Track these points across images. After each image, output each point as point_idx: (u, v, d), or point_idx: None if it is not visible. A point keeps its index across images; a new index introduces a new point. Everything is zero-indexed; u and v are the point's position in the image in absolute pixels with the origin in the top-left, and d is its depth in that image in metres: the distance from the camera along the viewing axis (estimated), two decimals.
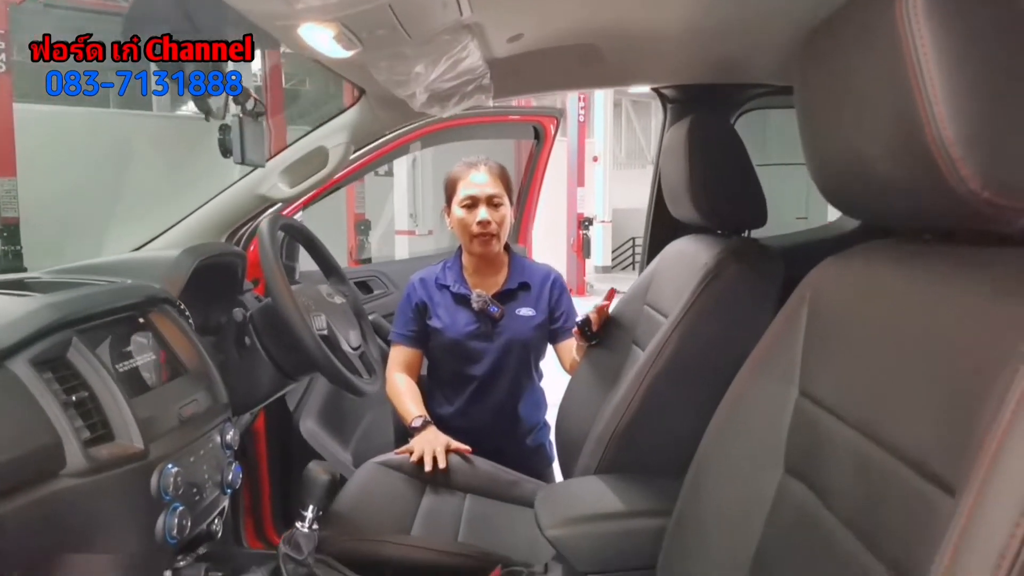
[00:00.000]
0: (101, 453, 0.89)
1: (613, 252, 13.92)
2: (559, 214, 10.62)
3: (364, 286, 2.19)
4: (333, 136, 1.62)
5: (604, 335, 1.59)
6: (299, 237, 1.50)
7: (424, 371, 1.88)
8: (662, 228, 1.75)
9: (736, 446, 0.88)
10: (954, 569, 0.46)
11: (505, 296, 1.77)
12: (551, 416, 1.79)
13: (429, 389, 1.84)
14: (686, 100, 1.70)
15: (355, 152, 1.69)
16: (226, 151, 1.17)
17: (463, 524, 1.45)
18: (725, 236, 1.35)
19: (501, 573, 1.24)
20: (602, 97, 12.74)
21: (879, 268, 0.71)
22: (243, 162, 1.19)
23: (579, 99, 10.68)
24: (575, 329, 1.60)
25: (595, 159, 12.05)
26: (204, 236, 1.61)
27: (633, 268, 15.03)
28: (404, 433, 1.93)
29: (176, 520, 0.99)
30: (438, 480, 1.54)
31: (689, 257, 1.35)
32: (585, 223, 10.48)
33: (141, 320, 1.12)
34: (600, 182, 12.33)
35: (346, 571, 1.20)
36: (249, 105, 1.11)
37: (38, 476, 0.83)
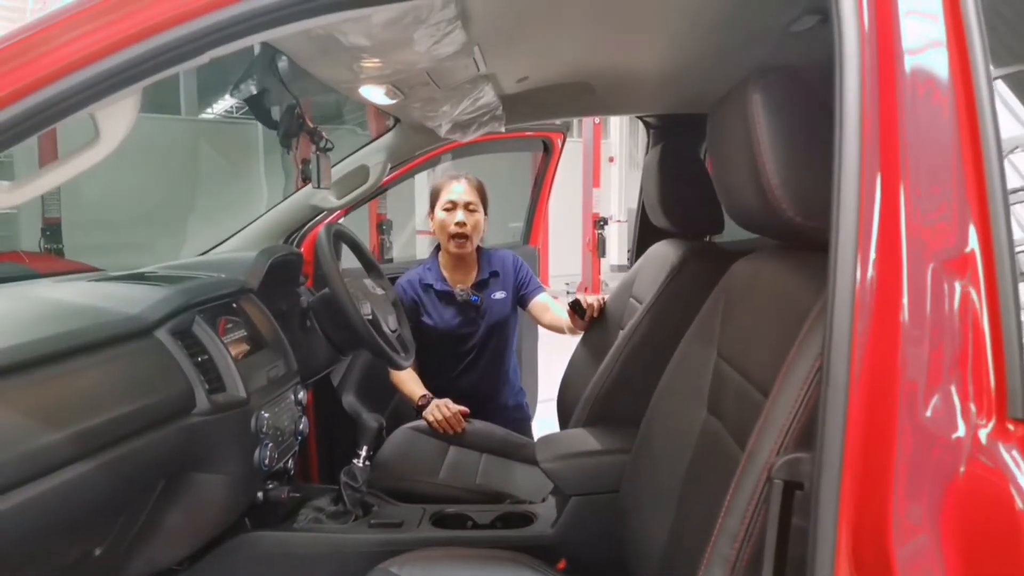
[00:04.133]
0: (218, 399, 1.24)
1: (628, 251, 14.10)
2: (574, 214, 10.87)
3: (394, 281, 2.53)
4: (373, 156, 1.96)
5: (599, 321, 1.93)
6: (348, 242, 1.83)
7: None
8: (647, 233, 2.07)
9: (676, 396, 1.21)
10: (758, 445, 0.77)
11: (480, 285, 2.14)
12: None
13: (425, 365, 2.16)
14: (665, 126, 2.02)
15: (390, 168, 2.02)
16: (307, 178, 1.52)
17: (479, 474, 1.79)
18: (687, 241, 1.67)
19: (509, 503, 1.57)
20: None
21: (759, 266, 1.03)
22: (319, 187, 1.53)
23: None
24: (569, 309, 1.94)
25: (611, 160, 12.31)
26: (267, 238, 1.97)
27: None
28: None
29: (268, 452, 1.33)
30: (460, 441, 1.88)
31: (662, 258, 1.67)
32: (600, 223, 10.75)
33: (234, 305, 1.47)
34: (616, 182, 12.59)
35: (390, 500, 1.54)
36: (322, 144, 1.46)
37: (178, 413, 1.17)
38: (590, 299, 1.98)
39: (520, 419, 2.26)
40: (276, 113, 1.41)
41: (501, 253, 2.24)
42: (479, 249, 2.20)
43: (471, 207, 2.09)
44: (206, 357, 1.26)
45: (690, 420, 1.12)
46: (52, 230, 8.22)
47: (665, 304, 1.53)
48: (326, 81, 1.31)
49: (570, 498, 1.41)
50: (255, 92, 1.33)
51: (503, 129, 1.88)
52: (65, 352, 1.01)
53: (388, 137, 1.96)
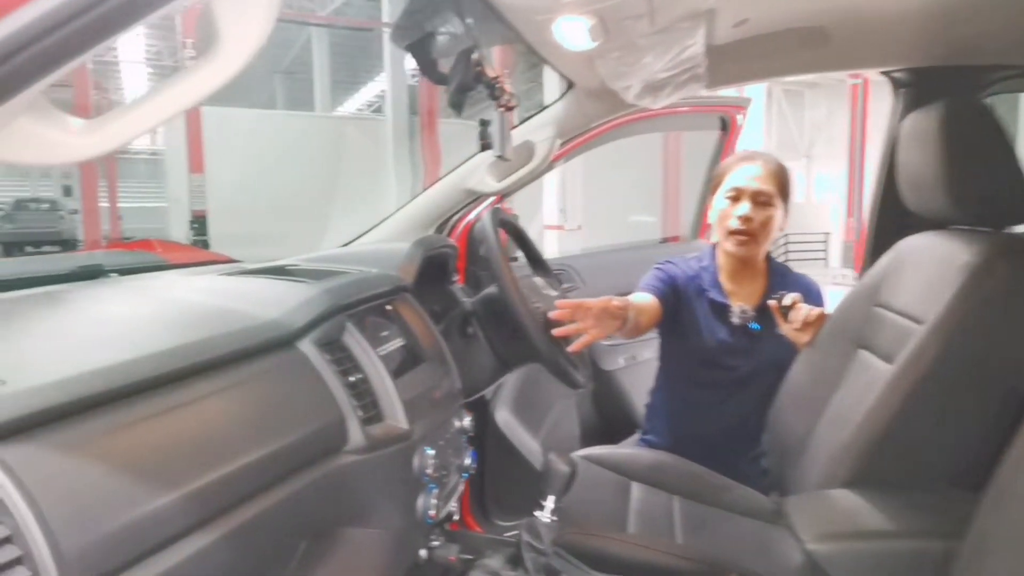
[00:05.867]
0: (375, 432, 0.94)
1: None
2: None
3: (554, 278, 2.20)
4: (540, 130, 1.63)
5: (823, 337, 1.50)
6: (512, 231, 1.52)
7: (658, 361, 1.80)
8: (889, 223, 1.62)
9: None
10: None
11: (765, 310, 1.58)
12: None
13: (666, 387, 1.76)
14: (921, 84, 1.56)
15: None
16: (486, 145, 1.19)
17: (678, 527, 1.41)
18: (980, 232, 1.23)
19: None
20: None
21: None
22: (501, 153, 1.20)
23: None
24: (773, 303, 1.49)
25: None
26: (416, 227, 1.69)
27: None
28: (589, 426, 1.93)
29: (433, 500, 1.03)
30: (644, 477, 1.51)
31: (940, 255, 1.23)
32: None
33: (389, 308, 1.18)
34: None
35: (581, 566, 1.20)
36: (504, 100, 1.13)
37: (326, 451, 0.88)
38: (796, 304, 1.51)
39: (768, 486, 1.65)
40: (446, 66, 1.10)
41: (805, 280, 1.69)
42: (770, 260, 1.68)
43: (762, 199, 1.55)
44: (360, 376, 0.97)
45: None
46: (199, 222, 8.97)
47: (965, 319, 1.09)
48: (510, 12, 0.99)
49: None
50: (420, 36, 1.02)
51: (701, 91, 1.49)
52: (182, 373, 0.74)
53: (558, 107, 1.64)
